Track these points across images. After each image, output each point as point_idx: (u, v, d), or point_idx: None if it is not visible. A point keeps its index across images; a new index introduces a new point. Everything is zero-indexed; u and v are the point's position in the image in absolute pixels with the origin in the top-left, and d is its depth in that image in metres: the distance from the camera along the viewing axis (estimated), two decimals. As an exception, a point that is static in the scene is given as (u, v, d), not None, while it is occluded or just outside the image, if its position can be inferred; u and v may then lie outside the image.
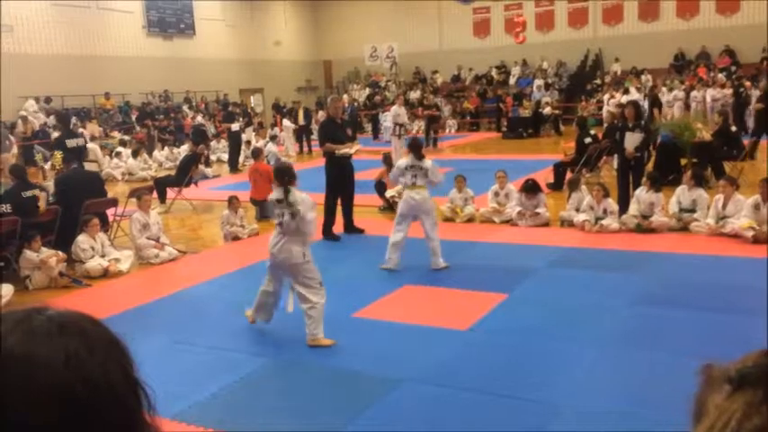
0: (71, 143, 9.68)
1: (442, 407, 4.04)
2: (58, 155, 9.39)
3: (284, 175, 5.13)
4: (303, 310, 5.05)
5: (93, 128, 19.48)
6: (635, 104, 9.17)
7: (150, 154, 18.17)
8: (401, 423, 3.87)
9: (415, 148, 7.09)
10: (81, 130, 19.37)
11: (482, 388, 4.21)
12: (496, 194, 9.30)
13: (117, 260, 7.57)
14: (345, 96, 26.28)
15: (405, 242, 6.89)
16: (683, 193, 8.28)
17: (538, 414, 3.89)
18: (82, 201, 8.00)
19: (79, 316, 0.76)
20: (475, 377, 4.38)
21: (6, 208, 7.29)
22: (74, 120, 19.97)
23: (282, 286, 5.28)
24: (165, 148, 18.84)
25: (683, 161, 10.72)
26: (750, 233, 7.32)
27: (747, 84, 19.66)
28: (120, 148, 17.51)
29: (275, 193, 5.16)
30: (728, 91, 19.18)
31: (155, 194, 10.70)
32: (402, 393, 4.23)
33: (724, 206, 7.82)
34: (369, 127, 25.07)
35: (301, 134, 20.13)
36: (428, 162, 6.94)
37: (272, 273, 5.26)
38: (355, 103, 26.54)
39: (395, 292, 6.30)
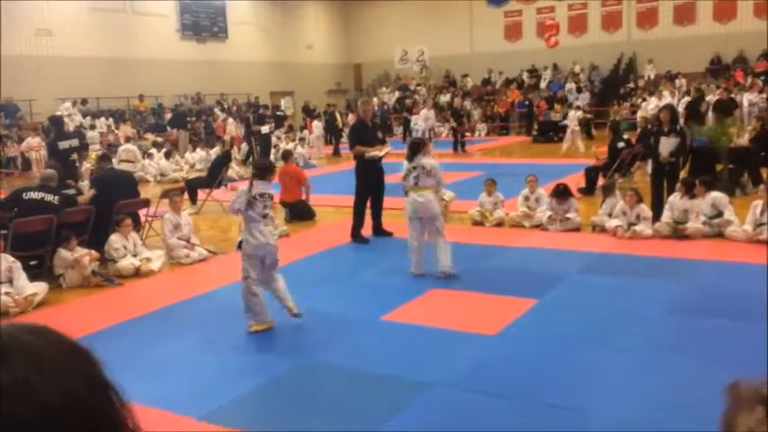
0: (63, 145, 9.79)
1: (472, 412, 3.99)
2: (92, 155, 9.53)
3: (269, 172, 5.77)
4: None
5: (126, 129, 19.84)
6: (671, 108, 9.00)
7: (182, 155, 18.41)
8: (431, 428, 3.84)
9: (412, 146, 6.97)
10: (115, 131, 19.80)
11: (512, 394, 4.15)
12: (527, 199, 9.20)
13: (148, 260, 7.66)
14: (375, 99, 26.34)
15: (424, 245, 6.81)
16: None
17: (569, 422, 3.82)
18: (115, 201, 8.12)
19: (25, 330, 0.67)
20: (505, 383, 4.32)
21: (53, 199, 7.48)
22: (109, 121, 20.41)
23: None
24: (197, 149, 19.07)
25: (719, 167, 10.49)
26: (789, 241, 7.13)
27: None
28: (152, 150, 17.77)
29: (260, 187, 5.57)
30: (766, 95, 18.74)
31: (186, 196, 10.82)
32: (432, 398, 4.19)
33: (762, 213, 7.63)
34: (398, 130, 25.07)
35: (334, 137, 20.21)
36: (428, 160, 6.81)
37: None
38: (385, 107, 26.58)
39: (423, 295, 6.26)
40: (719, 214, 8.00)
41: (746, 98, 19.17)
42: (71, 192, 8.15)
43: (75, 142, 10.11)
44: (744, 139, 10.94)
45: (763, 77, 21.12)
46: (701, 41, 23.68)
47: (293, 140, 18.76)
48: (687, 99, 18.87)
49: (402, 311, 5.86)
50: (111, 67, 21.11)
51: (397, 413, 4.01)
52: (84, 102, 20.42)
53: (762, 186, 8.20)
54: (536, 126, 22.07)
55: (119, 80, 21.32)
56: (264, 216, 5.56)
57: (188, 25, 24.25)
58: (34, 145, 16.86)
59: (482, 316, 5.63)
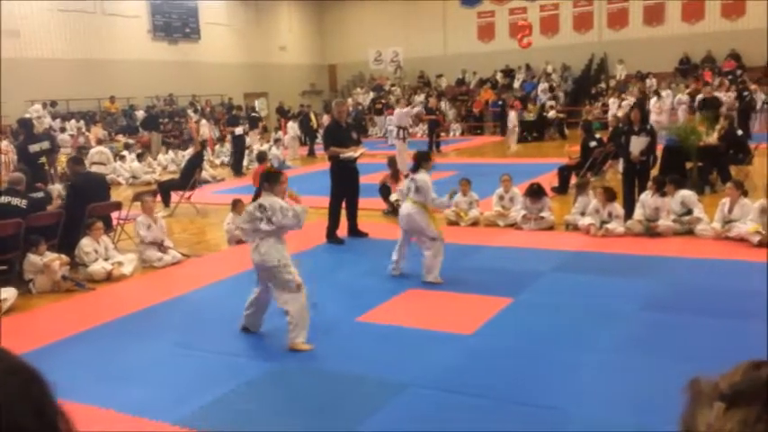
0: (34, 148, 9.67)
1: (448, 412, 4.00)
2: (63, 158, 9.38)
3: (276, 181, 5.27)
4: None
5: (97, 131, 19.54)
6: (640, 108, 9.12)
7: (154, 157, 18.21)
8: (408, 428, 3.84)
9: (416, 158, 6.90)
10: (86, 133, 19.50)
11: (488, 393, 4.17)
12: (501, 198, 9.26)
13: (120, 264, 7.56)
14: (350, 100, 26.31)
15: (406, 250, 6.83)
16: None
17: (545, 420, 3.85)
18: (88, 204, 8.00)
19: None
20: (481, 382, 4.34)
21: (20, 203, 7.34)
22: (80, 123, 20.10)
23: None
24: (170, 151, 18.86)
25: (689, 165, 10.67)
26: (756, 237, 7.27)
27: (753, 87, 19.58)
28: (124, 152, 17.54)
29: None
30: (734, 94, 19.11)
31: (158, 198, 10.70)
32: (408, 398, 4.19)
33: (730, 210, 7.77)
34: (374, 130, 25.07)
35: (309, 138, 20.13)
36: (420, 176, 6.60)
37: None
38: (360, 107, 26.57)
39: (399, 295, 6.27)
40: (689, 212, 8.14)
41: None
42: (39, 195, 8.01)
43: (45, 145, 9.94)
44: (712, 138, 11.14)
45: (730, 77, 21.53)
46: (670, 42, 24.07)
47: (268, 142, 18.67)
48: (656, 99, 19.14)
49: (378, 312, 5.86)
50: (81, 68, 20.80)
51: (374, 414, 4.01)
52: (53, 104, 20.10)
53: (730, 184, 8.36)
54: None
55: (89, 82, 21.02)
56: (256, 230, 5.06)
57: (159, 26, 23.98)
58: (3, 148, 16.52)
59: (458, 315, 5.65)
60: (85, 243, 7.53)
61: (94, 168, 12.72)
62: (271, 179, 5.28)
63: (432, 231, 6.56)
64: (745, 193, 8.11)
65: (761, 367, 0.53)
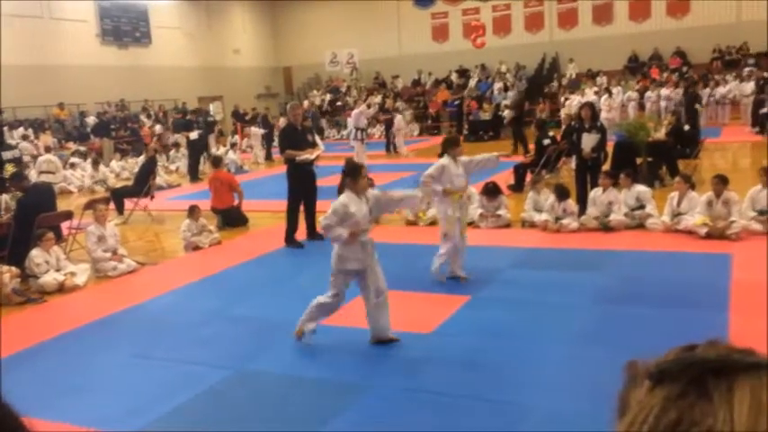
0: (6, 155, 9.53)
1: (409, 412, 4.03)
2: (10, 167, 9.14)
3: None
4: None
5: (46, 139, 19.04)
6: (591, 106, 9.33)
7: (107, 164, 17.82)
8: (369, 428, 3.85)
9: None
10: (35, 141, 18.98)
11: (449, 391, 4.21)
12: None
13: (73, 274, 7.39)
14: (306, 102, 26.21)
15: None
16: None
17: (505, 415, 3.91)
18: (36, 215, 7.79)
19: None
20: (441, 380, 4.39)
21: None
22: (28, 131, 19.54)
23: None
24: (123, 158, 18.50)
25: (639, 160, 10.94)
26: (704, 230, 7.50)
27: (698, 83, 20.20)
28: (74, 159, 17.13)
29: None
30: (680, 91, 19.68)
31: (112, 206, 10.49)
32: (369, 399, 4.21)
33: (679, 203, 8.00)
34: (331, 133, 25.03)
35: (266, 141, 19.95)
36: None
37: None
38: (315, 109, 26.49)
39: (358, 297, 6.26)
40: (642, 206, 8.35)
41: (662, 94, 20.06)
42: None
43: (17, 153, 9.84)
44: (660, 134, 11.45)
45: (677, 74, 22.16)
46: (618, 40, 24.65)
47: (224, 146, 18.45)
48: (606, 96, 19.58)
49: (337, 314, 5.83)
50: (28, 74, 20.20)
51: (335, 416, 4.01)
52: (-1, 111, 19.49)
53: (678, 178, 8.61)
54: (466, 126, 22.46)
55: (37, 88, 20.43)
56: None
57: (108, 30, 23.48)
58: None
59: (417, 315, 5.69)
60: (36, 254, 7.33)
61: (43, 177, 12.41)
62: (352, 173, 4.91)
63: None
64: (693, 187, 8.36)
65: (694, 349, 0.56)
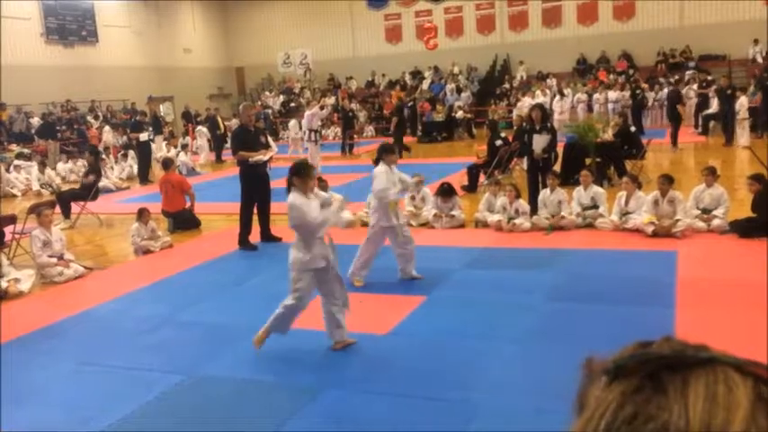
0: None
1: (363, 413, 4.02)
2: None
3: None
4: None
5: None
6: (541, 107, 9.49)
7: (53, 167, 17.29)
8: (326, 430, 3.83)
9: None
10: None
11: (402, 391, 4.22)
12: (413, 198, 9.39)
13: (17, 280, 7.14)
14: (259, 103, 25.95)
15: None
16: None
17: (458, 414, 3.93)
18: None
19: None
20: (395, 381, 4.39)
21: None
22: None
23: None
24: (69, 160, 17.97)
25: (588, 161, 11.19)
26: (650, 228, 7.71)
27: (644, 86, 20.78)
28: (18, 162, 16.57)
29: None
30: (627, 93, 20.21)
31: (57, 210, 10.18)
32: (324, 401, 4.19)
33: (626, 203, 8.21)
34: (285, 134, 24.81)
35: (216, 143, 19.67)
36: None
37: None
38: (269, 110, 26.25)
39: (313, 300, 6.22)
40: (595, 206, 8.52)
41: (610, 96, 20.56)
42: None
43: None
44: (608, 135, 11.73)
45: (623, 76, 22.75)
46: (567, 43, 25.18)
47: (175, 147, 18.11)
48: (558, 98, 19.96)
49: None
50: (-34, 73, 19.47)
51: (290, 419, 3.98)
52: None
53: (626, 178, 8.84)
54: (420, 127, 22.60)
55: (-23, 88, 19.69)
56: None
57: (53, 29, 22.78)
58: None
59: (372, 316, 5.68)
60: (-24, 260, 7.06)
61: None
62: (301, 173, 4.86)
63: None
64: (640, 186, 8.59)
65: (650, 345, 0.57)
